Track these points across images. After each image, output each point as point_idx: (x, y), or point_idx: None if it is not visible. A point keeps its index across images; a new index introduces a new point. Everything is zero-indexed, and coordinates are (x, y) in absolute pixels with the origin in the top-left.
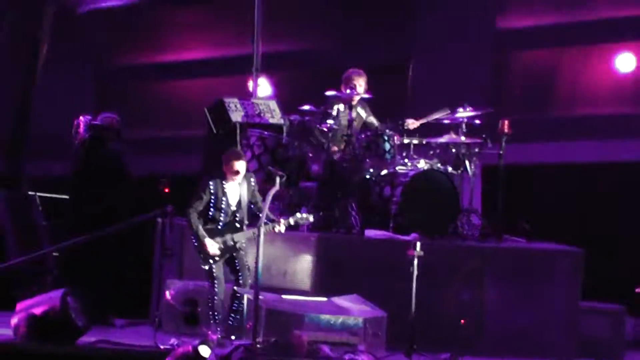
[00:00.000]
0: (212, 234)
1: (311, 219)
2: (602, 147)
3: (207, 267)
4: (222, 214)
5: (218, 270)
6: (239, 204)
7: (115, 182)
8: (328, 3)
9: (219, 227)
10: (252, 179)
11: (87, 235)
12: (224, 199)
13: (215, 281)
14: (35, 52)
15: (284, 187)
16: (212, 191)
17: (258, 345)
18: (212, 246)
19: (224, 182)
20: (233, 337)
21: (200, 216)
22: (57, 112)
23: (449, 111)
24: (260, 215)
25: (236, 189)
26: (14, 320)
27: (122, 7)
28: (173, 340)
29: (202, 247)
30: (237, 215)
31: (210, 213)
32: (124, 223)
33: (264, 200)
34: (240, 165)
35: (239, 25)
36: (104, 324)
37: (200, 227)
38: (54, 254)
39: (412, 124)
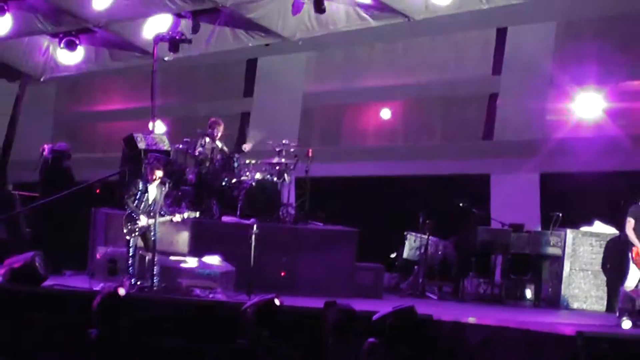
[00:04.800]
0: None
1: (197, 214)
2: (371, 166)
3: (128, 237)
4: (142, 204)
5: (134, 240)
6: (154, 200)
7: (66, 185)
8: (195, 76)
9: (142, 212)
10: (166, 184)
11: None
12: (145, 194)
13: (131, 247)
14: (15, 104)
15: (171, 189)
16: (139, 188)
17: (155, 288)
18: (144, 219)
19: (147, 183)
20: (139, 282)
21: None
22: (29, 141)
23: (261, 133)
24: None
25: (154, 190)
26: (1, 271)
27: (69, 76)
28: (101, 285)
29: (134, 222)
30: (152, 207)
31: (135, 202)
32: (79, 187)
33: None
34: (159, 172)
35: (144, 88)
36: (58, 274)
37: (136, 209)
38: (27, 229)
39: (246, 146)
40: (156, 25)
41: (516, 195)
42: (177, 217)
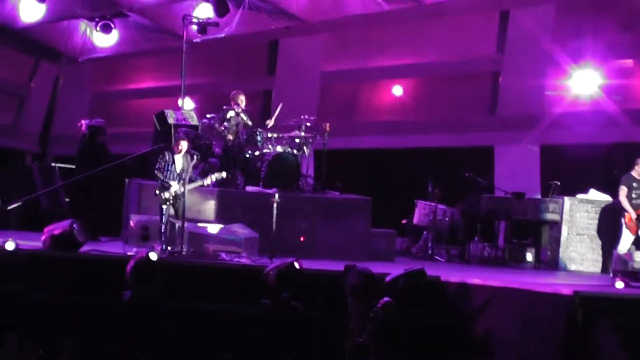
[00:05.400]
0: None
1: (224, 175)
2: (384, 139)
3: (163, 206)
4: (171, 174)
5: (167, 209)
6: (182, 169)
7: (102, 159)
8: (221, 56)
9: (171, 180)
10: (194, 156)
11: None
12: (173, 165)
13: (164, 215)
14: (56, 83)
15: (199, 161)
16: (166, 159)
17: (184, 252)
18: (174, 188)
19: (173, 154)
20: (169, 248)
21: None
22: (68, 117)
23: (281, 104)
24: (190, 178)
25: (180, 160)
26: (42, 237)
27: (104, 57)
28: (135, 250)
29: (166, 191)
30: (182, 176)
31: (165, 173)
32: (117, 162)
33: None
34: (184, 142)
35: (174, 68)
36: (94, 240)
37: (166, 179)
38: (66, 199)
39: (269, 122)
40: (185, 8)
41: (518, 165)
42: (207, 180)
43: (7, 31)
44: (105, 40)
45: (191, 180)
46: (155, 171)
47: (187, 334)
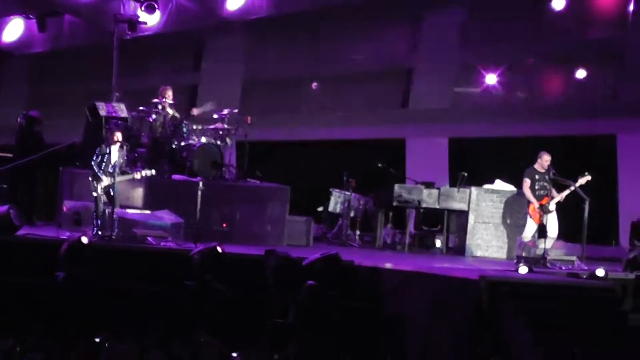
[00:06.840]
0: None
1: (153, 172)
2: (302, 131)
3: (95, 193)
4: (104, 165)
5: (100, 196)
6: (116, 160)
7: (37, 148)
8: (151, 53)
9: (105, 173)
10: (124, 148)
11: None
12: (107, 156)
13: (98, 201)
14: None
15: (128, 152)
16: (103, 151)
17: (113, 237)
18: (105, 180)
19: (109, 146)
20: (100, 232)
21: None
22: (6, 109)
23: (215, 104)
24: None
25: (115, 152)
26: None
27: (40, 52)
28: (67, 234)
29: (99, 181)
30: (114, 167)
31: (102, 165)
32: (48, 151)
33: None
34: (119, 134)
35: (106, 63)
36: (30, 224)
37: (99, 171)
38: (4, 185)
39: (194, 110)
40: (115, 8)
41: (428, 157)
42: (137, 175)
43: None
44: (40, 36)
45: (124, 172)
46: (92, 163)
47: (116, 311)
